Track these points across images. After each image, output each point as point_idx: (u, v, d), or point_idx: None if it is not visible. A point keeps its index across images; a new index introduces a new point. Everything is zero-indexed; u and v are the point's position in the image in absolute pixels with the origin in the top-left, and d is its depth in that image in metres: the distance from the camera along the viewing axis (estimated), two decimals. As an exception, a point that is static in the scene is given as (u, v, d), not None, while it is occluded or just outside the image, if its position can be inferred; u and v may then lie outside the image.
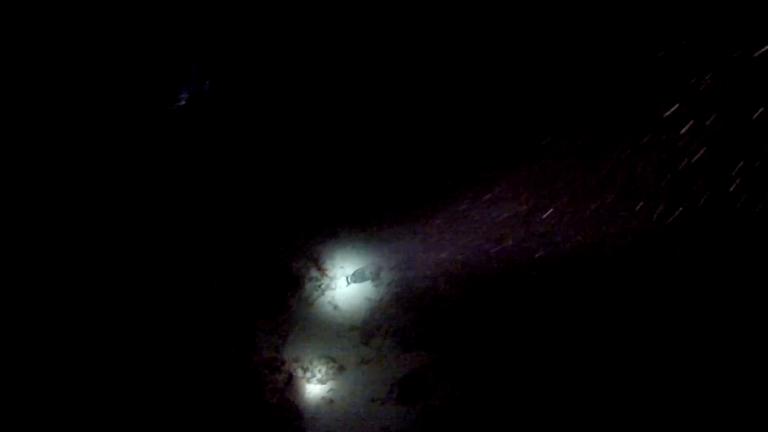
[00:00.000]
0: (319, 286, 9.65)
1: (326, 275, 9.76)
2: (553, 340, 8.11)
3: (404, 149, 10.33)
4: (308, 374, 8.46)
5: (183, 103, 10.56)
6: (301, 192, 10.19)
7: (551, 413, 7.42)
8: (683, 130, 8.24)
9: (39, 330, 7.41)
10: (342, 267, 9.76)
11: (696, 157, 8.08)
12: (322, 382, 8.38)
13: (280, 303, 9.19)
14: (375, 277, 9.51)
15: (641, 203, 8.43)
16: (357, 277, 9.42)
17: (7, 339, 7.18)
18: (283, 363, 8.47)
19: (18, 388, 6.84)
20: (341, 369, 8.54)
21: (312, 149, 10.57)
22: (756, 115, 7.63)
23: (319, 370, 8.50)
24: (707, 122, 8.07)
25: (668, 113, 8.38)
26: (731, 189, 7.72)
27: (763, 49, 7.61)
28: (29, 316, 7.50)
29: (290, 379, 8.28)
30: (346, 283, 9.47)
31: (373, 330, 9.03)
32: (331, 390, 8.29)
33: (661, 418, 7.00)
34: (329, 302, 9.52)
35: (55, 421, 6.85)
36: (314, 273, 9.74)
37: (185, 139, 10.33)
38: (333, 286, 9.68)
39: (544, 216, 9.07)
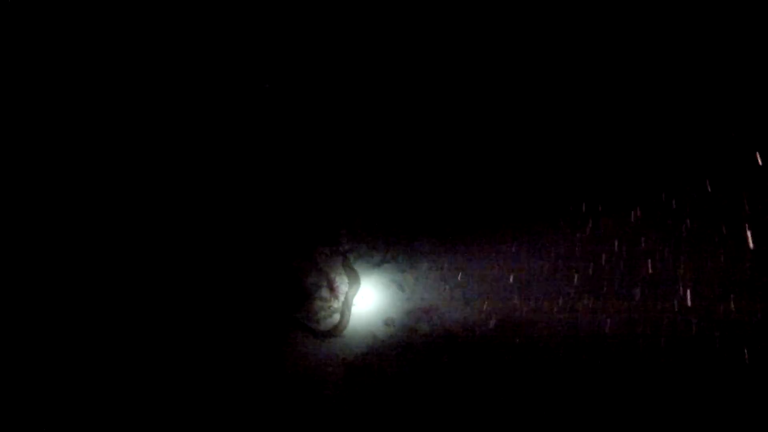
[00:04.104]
0: (329, 306, 9.50)
1: (337, 297, 9.54)
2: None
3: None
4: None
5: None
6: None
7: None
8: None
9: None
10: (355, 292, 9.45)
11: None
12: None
13: (281, 317, 9.31)
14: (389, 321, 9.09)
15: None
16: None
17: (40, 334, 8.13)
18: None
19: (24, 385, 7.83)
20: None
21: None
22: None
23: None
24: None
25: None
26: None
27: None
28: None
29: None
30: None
31: (363, 371, 8.71)
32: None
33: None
34: (331, 324, 9.37)
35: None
36: (325, 293, 9.58)
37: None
38: (341, 309, 9.46)
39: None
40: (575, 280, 8.13)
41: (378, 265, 9.43)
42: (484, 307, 8.55)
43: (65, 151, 8.74)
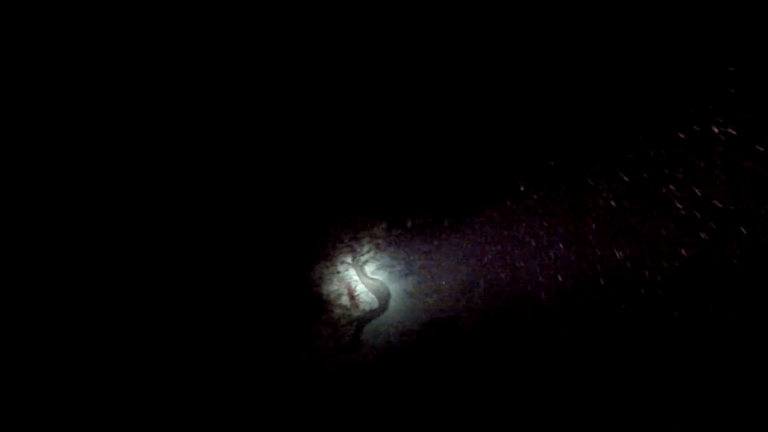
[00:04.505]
0: (348, 315, 9.76)
1: (357, 306, 9.79)
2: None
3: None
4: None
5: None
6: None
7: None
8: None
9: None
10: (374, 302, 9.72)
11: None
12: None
13: (305, 325, 9.59)
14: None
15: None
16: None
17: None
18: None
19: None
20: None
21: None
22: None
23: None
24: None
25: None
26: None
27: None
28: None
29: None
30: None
31: (378, 380, 8.94)
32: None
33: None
34: (349, 333, 9.62)
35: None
36: (345, 301, 9.84)
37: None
38: (360, 319, 9.71)
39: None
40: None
41: (399, 276, 9.68)
42: (503, 318, 8.76)
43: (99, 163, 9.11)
